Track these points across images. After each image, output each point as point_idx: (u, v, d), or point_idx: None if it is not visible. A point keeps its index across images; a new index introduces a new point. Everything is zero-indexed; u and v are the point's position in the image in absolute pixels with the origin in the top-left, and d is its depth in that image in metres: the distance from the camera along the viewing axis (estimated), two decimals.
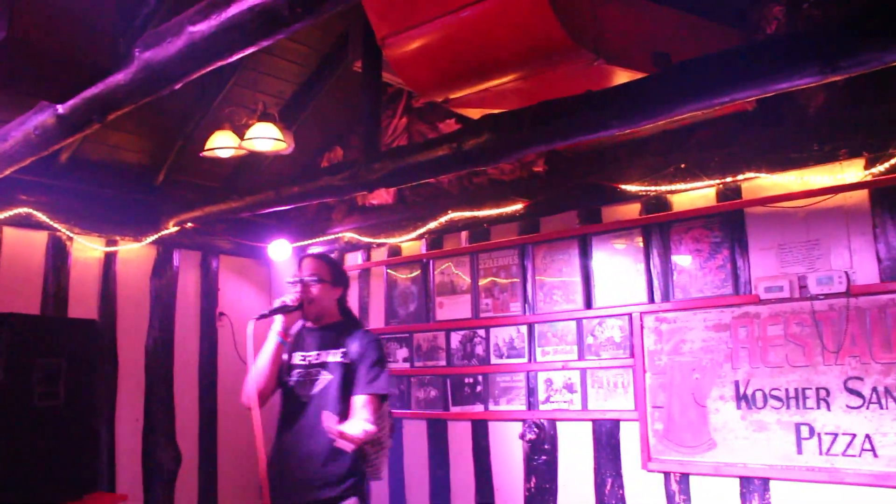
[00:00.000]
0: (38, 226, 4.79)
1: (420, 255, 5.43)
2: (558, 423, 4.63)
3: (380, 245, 5.66)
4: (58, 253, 4.93)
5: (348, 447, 2.77)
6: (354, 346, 3.08)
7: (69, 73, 3.56)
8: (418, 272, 5.42)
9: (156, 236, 5.31)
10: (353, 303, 5.73)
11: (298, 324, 3.25)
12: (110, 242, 5.23)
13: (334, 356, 3.08)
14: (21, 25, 2.55)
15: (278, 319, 3.07)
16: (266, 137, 3.76)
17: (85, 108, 2.97)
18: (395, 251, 5.63)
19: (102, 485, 4.83)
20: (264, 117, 3.79)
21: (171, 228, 5.32)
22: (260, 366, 3.04)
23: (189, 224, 5.36)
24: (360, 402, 2.99)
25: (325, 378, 3.05)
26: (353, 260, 5.90)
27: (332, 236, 5.78)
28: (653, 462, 4.23)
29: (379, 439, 3.14)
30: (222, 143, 3.87)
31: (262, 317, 3.03)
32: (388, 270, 5.61)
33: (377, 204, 5.63)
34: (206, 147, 3.90)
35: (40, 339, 3.84)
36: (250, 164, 5.56)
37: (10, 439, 3.67)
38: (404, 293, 5.48)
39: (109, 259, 5.21)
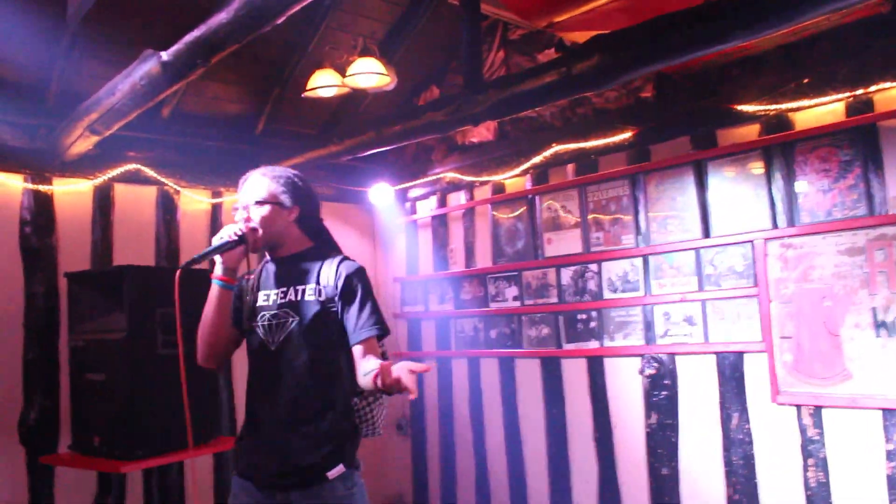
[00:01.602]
0: (147, 181, 4.87)
1: (525, 191, 5.29)
2: (678, 357, 4.46)
3: (483, 183, 5.54)
4: (167, 206, 5.02)
5: (413, 393, 2.07)
6: (331, 279, 2.47)
7: (171, 18, 3.56)
8: (524, 209, 5.29)
9: None
10: (457, 244, 5.69)
11: (264, 258, 2.68)
12: (215, 194, 5.28)
13: (304, 293, 2.49)
14: None
15: (218, 261, 2.47)
16: (369, 73, 3.65)
17: (189, 52, 2.93)
18: (498, 189, 5.50)
19: (225, 430, 4.97)
20: (365, 52, 3.68)
21: None
22: (205, 319, 2.50)
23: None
24: (366, 348, 2.42)
25: (293, 321, 2.47)
26: (456, 200, 5.81)
27: (433, 177, 5.70)
28: (782, 395, 4.03)
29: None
30: (324, 82, 3.78)
31: (192, 262, 2.38)
32: (493, 209, 5.49)
33: (477, 142, 5.49)
34: (308, 87, 3.83)
35: (158, 290, 3.89)
36: (347, 108, 5.49)
37: (141, 386, 3.78)
38: (510, 231, 5.36)
39: (216, 210, 5.28)
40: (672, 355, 4.48)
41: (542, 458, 5.14)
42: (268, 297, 2.55)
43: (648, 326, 4.57)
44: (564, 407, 5.03)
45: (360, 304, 2.45)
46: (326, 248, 2.64)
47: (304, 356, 2.44)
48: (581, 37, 3.79)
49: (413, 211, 6.16)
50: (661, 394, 4.52)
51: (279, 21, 2.65)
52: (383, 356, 2.54)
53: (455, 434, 5.73)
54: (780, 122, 4.13)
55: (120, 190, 4.82)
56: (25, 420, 4.25)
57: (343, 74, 3.75)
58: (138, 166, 4.78)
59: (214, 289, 2.48)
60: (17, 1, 3.85)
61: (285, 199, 2.54)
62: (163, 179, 4.91)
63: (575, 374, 4.96)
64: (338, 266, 2.50)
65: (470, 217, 5.70)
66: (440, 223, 5.92)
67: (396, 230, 6.19)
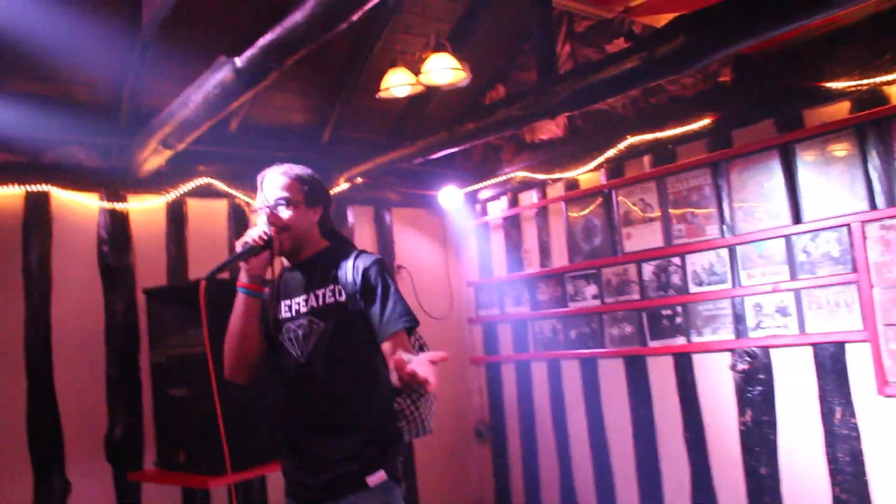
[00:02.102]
0: (218, 194, 4.87)
1: (600, 186, 5.13)
2: (772, 351, 4.25)
3: (555, 181, 5.40)
4: (238, 219, 5.01)
5: (432, 385, 1.85)
6: (349, 276, 2.32)
7: (243, 24, 3.51)
8: (600, 204, 5.13)
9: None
10: (531, 244, 5.56)
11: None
12: None
13: (326, 296, 2.34)
14: None
15: (243, 268, 2.33)
16: (444, 68, 3.55)
17: (262, 57, 2.88)
18: (572, 185, 5.35)
19: None
20: (438, 48, 3.59)
21: (342, 185, 5.29)
22: (231, 330, 2.36)
23: (359, 179, 5.31)
24: (394, 343, 2.25)
25: (320, 328, 2.31)
26: (528, 199, 5.68)
27: (504, 177, 5.58)
28: (890, 386, 3.79)
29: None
30: (398, 81, 3.70)
31: (217, 271, 2.27)
32: (567, 206, 5.35)
33: (547, 139, 5.36)
34: (382, 88, 3.75)
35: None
36: (413, 112, 5.42)
37: (223, 400, 3.73)
38: (587, 227, 5.21)
39: None
40: (766, 348, 4.27)
41: (630, 460, 4.97)
42: (290, 307, 2.41)
43: (739, 319, 4.37)
44: (652, 407, 4.85)
45: (383, 298, 2.29)
46: (340, 246, 2.50)
47: (336, 363, 2.30)
48: (656, 20, 3.65)
49: (484, 213, 6.05)
50: (756, 389, 4.31)
51: (355, 17, 2.57)
52: (420, 349, 2.44)
53: (537, 438, 5.59)
54: (873, 98, 3.90)
55: (192, 204, 4.82)
56: (111, 437, 4.26)
57: (416, 73, 3.67)
58: (209, 180, 4.78)
59: (240, 298, 2.34)
60: (87, 18, 3.87)
61: (310, 198, 2.42)
62: (233, 192, 4.89)
63: (661, 373, 4.78)
64: (354, 260, 2.36)
65: (543, 216, 5.56)
66: (512, 224, 5.80)
67: (468, 233, 6.09)
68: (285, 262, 2.50)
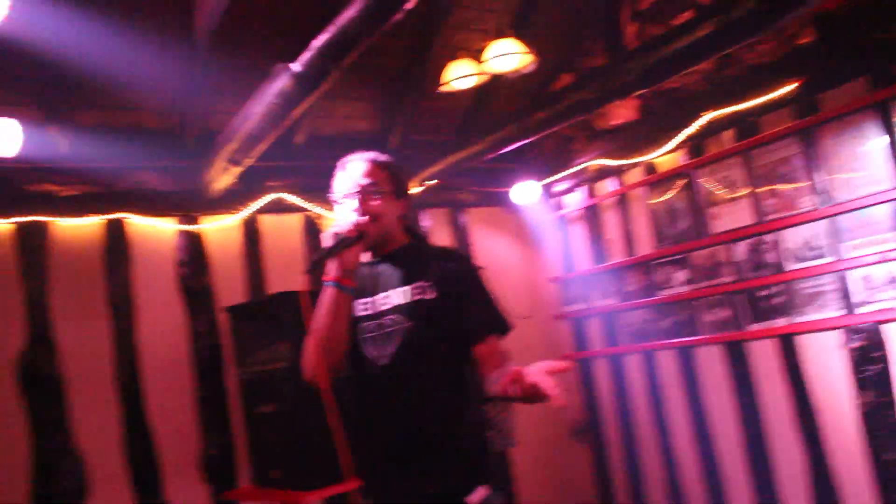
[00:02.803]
0: (290, 209, 4.86)
1: (681, 167, 4.89)
2: (886, 326, 3.95)
3: (632, 166, 5.19)
4: (312, 232, 4.97)
5: (559, 399, 1.64)
6: (441, 273, 2.13)
7: (295, 28, 3.45)
8: (682, 186, 4.89)
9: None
10: (613, 233, 5.37)
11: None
12: None
13: (413, 293, 2.14)
14: None
15: (331, 261, 2.12)
16: (507, 54, 3.40)
17: (319, 58, 2.81)
18: (650, 169, 5.12)
19: None
20: (500, 34, 3.45)
21: (415, 189, 5.20)
22: (318, 328, 2.12)
23: (432, 181, 5.22)
24: (488, 349, 2.08)
25: (404, 329, 2.12)
26: (606, 188, 5.47)
27: (579, 167, 5.39)
28: None
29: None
30: (460, 72, 3.57)
31: (316, 265, 2.09)
32: (647, 191, 5.13)
33: (620, 123, 5.16)
34: (443, 81, 3.64)
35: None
36: (480, 109, 5.29)
37: (312, 414, 3.66)
38: (670, 211, 4.98)
39: None
40: (878, 324, 3.97)
41: (738, 450, 4.70)
42: (367, 305, 2.21)
43: (845, 295, 4.08)
44: (757, 394, 4.57)
45: (476, 299, 2.12)
46: (425, 243, 2.36)
47: (421, 367, 2.11)
48: None
49: (561, 206, 5.87)
50: (871, 368, 4.01)
51: (409, 5, 2.46)
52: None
53: (637, 434, 5.37)
54: None
55: (265, 220, 4.81)
56: (205, 458, 4.26)
57: (479, 61, 3.54)
58: (280, 195, 4.77)
59: (330, 294, 2.11)
60: (147, 46, 3.89)
61: (397, 189, 2.24)
62: (305, 205, 4.87)
63: (764, 357, 4.51)
64: (445, 259, 2.19)
65: (623, 203, 5.35)
66: (592, 214, 5.60)
67: (546, 228, 5.91)
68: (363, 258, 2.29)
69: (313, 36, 2.81)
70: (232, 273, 4.62)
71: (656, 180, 5.06)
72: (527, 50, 3.41)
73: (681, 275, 4.90)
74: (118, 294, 4.23)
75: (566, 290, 5.81)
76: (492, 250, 5.73)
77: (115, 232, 4.32)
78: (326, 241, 2.09)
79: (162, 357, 4.25)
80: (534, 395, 1.67)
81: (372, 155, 2.27)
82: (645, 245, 5.18)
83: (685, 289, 4.88)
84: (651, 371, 5.21)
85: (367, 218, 2.12)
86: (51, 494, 3.83)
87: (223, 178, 4.15)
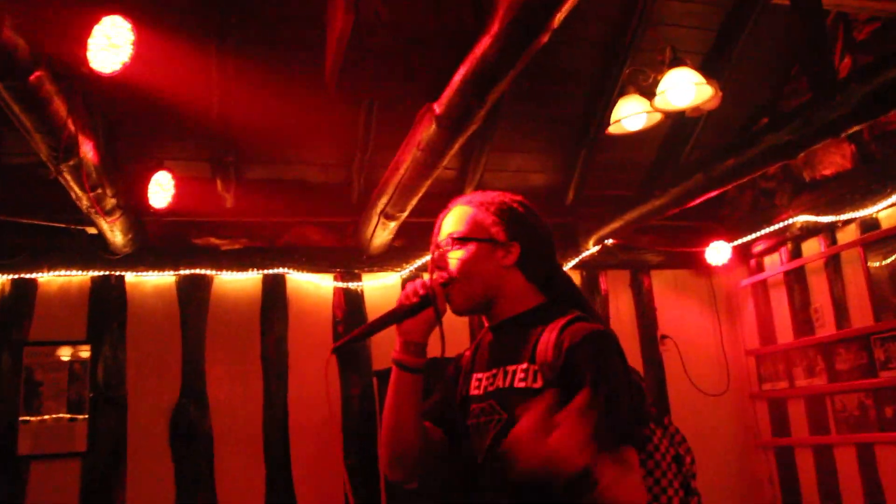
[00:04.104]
0: None
1: None
2: None
3: (846, 223, 4.43)
4: None
5: None
6: (550, 354, 1.55)
7: (429, 49, 3.17)
8: None
9: (577, 259, 4.80)
10: (821, 301, 4.62)
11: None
12: None
13: (517, 377, 1.62)
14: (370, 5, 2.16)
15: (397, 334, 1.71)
16: (683, 85, 2.92)
17: (460, 96, 2.51)
18: (870, 226, 4.35)
19: None
20: (675, 63, 2.98)
21: (591, 248, 4.77)
22: (385, 416, 1.72)
23: (610, 240, 4.76)
24: (613, 461, 1.42)
25: (498, 421, 1.61)
26: (814, 248, 4.73)
27: (780, 224, 4.72)
28: None
29: None
30: (629, 110, 3.13)
31: (351, 341, 1.67)
32: (866, 251, 4.35)
33: (832, 174, 4.46)
34: (612, 120, 3.22)
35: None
36: (666, 160, 4.80)
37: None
38: (895, 276, 4.18)
39: None
40: None
41: None
42: (479, 383, 1.71)
43: None
44: None
45: (595, 395, 1.37)
46: (561, 304, 1.71)
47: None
48: None
49: (759, 269, 5.17)
50: None
51: (554, 25, 2.10)
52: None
53: None
54: None
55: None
56: None
57: (651, 97, 3.09)
58: None
59: (394, 373, 1.71)
60: (316, 104, 3.82)
61: (497, 232, 1.71)
62: None
63: None
64: (561, 331, 1.56)
65: (835, 266, 4.59)
66: (796, 279, 4.86)
67: (742, 294, 5.24)
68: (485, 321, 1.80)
69: (452, 66, 2.51)
70: (390, 335, 4.37)
71: (877, 238, 4.28)
72: (704, 81, 2.91)
73: None
74: (272, 351, 4.15)
75: (764, 365, 5.07)
76: (678, 317, 5.13)
77: (275, 287, 4.27)
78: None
79: (312, 419, 4.10)
80: None
81: (468, 197, 1.78)
82: (862, 316, 4.37)
83: None
84: (869, 469, 4.33)
85: (442, 276, 1.67)
86: None
87: (380, 233, 3.96)
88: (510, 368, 1.63)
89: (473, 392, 1.70)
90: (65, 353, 3.98)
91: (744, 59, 4.40)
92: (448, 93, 2.54)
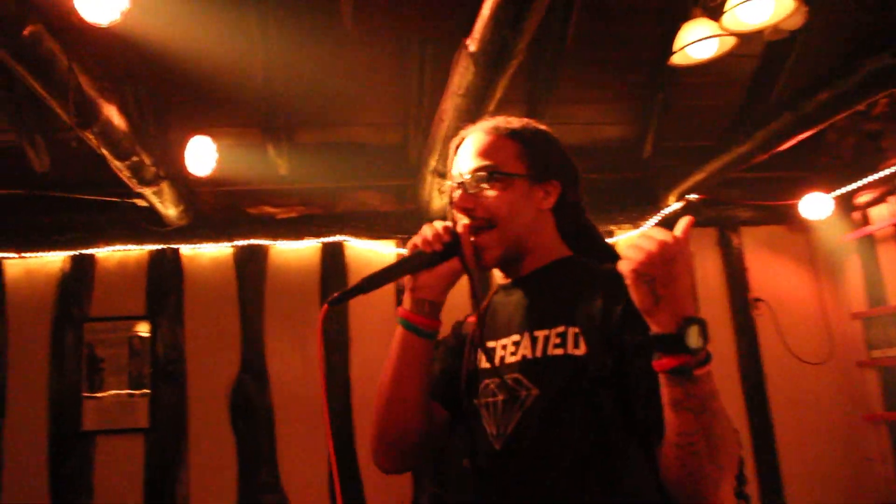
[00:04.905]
0: None
1: None
2: None
3: None
4: None
5: None
6: (597, 314, 1.26)
7: None
8: None
9: (657, 217, 4.44)
10: None
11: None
12: (605, 234, 4.50)
13: (551, 343, 1.30)
14: None
15: (407, 287, 1.43)
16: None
17: (492, 27, 2.22)
18: None
19: None
20: None
21: (672, 204, 4.40)
22: (382, 385, 1.44)
23: (694, 195, 4.38)
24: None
25: (531, 397, 1.29)
26: None
27: (888, 171, 4.23)
28: None
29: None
30: (694, 36, 2.75)
31: (351, 294, 1.34)
32: None
33: None
34: (675, 49, 2.85)
35: None
36: (753, 104, 4.35)
37: None
38: None
39: None
40: None
41: None
42: (492, 353, 1.39)
43: None
44: None
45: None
46: (591, 257, 1.43)
47: (559, 460, 1.23)
48: None
49: (865, 222, 4.68)
50: None
51: None
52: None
53: None
54: None
55: None
56: None
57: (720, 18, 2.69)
58: None
59: (397, 335, 1.41)
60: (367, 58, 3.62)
61: (537, 168, 1.40)
62: None
63: None
64: (606, 286, 1.27)
65: None
66: None
67: (845, 251, 4.75)
68: (499, 276, 1.50)
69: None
70: (457, 301, 4.16)
71: None
72: None
73: None
74: (333, 323, 3.97)
75: (873, 329, 4.59)
76: (772, 278, 4.69)
77: (334, 256, 4.12)
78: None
79: (374, 391, 3.90)
80: None
81: (493, 122, 1.45)
82: None
83: None
84: None
85: (463, 223, 1.38)
86: None
87: (437, 196, 3.72)
88: (539, 334, 1.33)
89: (485, 365, 1.39)
90: (124, 329, 3.93)
91: None
92: (479, 25, 2.27)
